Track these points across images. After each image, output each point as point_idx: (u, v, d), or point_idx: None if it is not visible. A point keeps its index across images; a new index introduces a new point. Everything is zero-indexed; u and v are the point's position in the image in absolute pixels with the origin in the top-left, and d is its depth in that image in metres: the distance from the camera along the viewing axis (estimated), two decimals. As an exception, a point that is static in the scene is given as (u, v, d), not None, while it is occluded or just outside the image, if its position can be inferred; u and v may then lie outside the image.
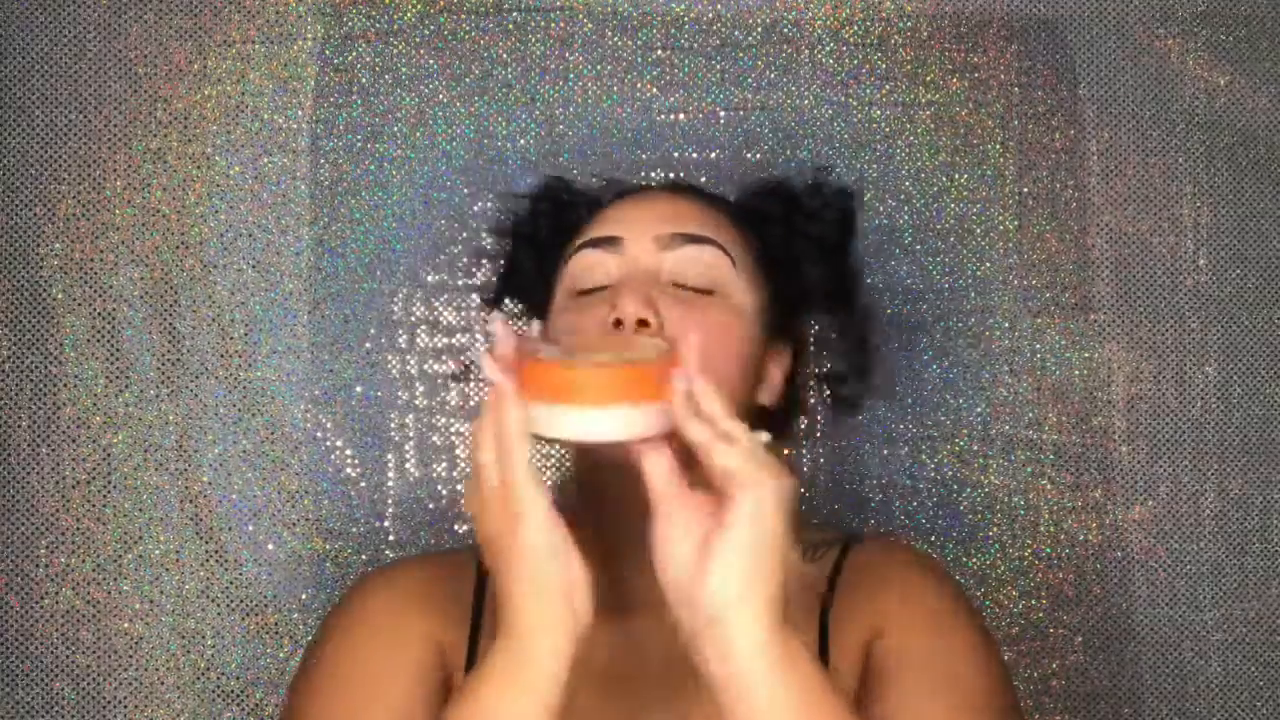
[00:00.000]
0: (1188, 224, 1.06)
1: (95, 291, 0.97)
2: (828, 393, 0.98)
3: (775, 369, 0.87)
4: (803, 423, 1.05)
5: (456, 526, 1.01)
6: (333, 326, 1.00)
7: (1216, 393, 1.05)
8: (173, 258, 0.98)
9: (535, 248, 0.95)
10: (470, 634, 0.80)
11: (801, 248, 0.92)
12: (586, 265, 0.84)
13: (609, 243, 0.83)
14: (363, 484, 0.99)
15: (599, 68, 1.04)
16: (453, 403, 1.01)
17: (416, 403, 1.00)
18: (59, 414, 0.95)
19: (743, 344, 0.82)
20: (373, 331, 1.00)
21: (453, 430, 1.01)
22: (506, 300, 0.99)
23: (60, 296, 0.96)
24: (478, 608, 0.81)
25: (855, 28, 1.05)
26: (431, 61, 1.02)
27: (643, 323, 0.77)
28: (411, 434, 1.00)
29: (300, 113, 1.00)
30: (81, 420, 0.96)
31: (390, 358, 1.00)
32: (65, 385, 0.96)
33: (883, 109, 1.05)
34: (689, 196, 0.88)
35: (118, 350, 0.96)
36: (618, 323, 0.77)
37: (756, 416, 0.83)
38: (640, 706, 0.78)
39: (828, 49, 1.05)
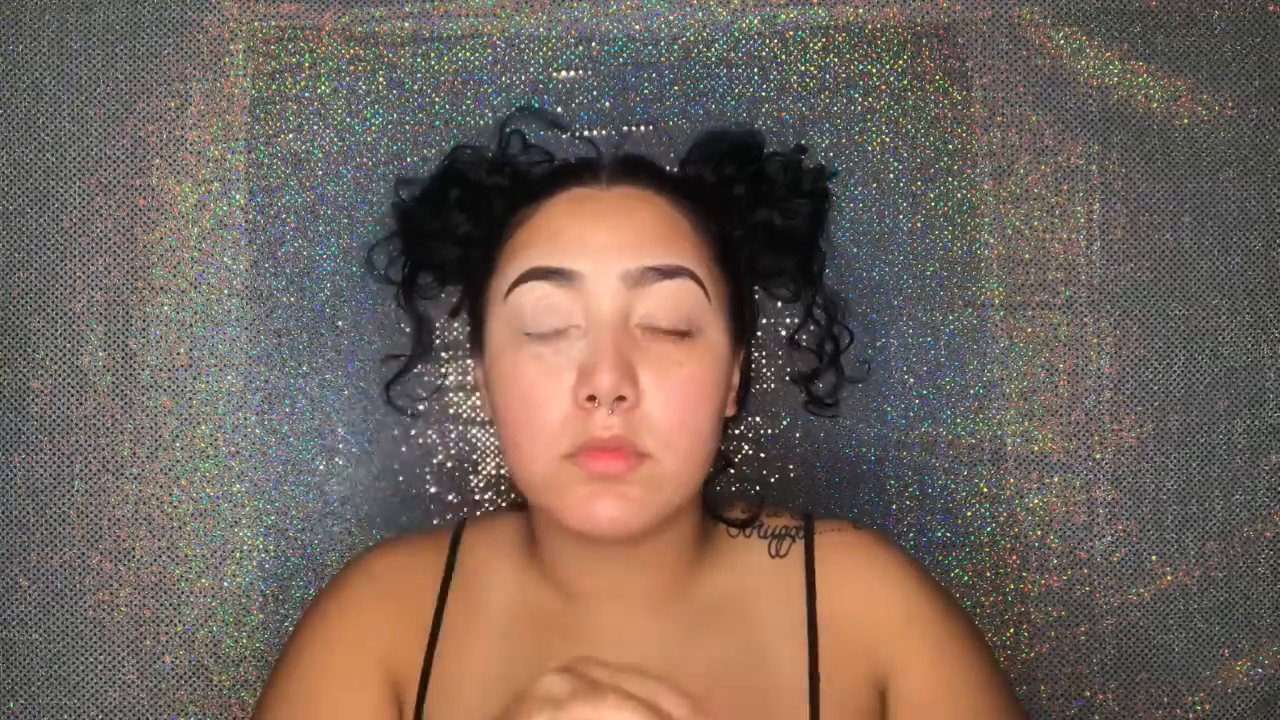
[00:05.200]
0: (1081, 220, 1.08)
1: (57, 314, 1.06)
2: (804, 398, 0.92)
3: (737, 372, 0.83)
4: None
5: (400, 523, 1.09)
6: (268, 341, 1.08)
7: (1110, 386, 1.08)
8: (124, 281, 1.07)
9: (462, 219, 0.86)
10: (432, 626, 0.83)
11: (772, 231, 0.86)
12: (538, 301, 0.75)
13: (566, 277, 0.74)
14: (300, 486, 1.08)
15: (515, 91, 1.09)
16: (381, 408, 1.08)
17: (347, 408, 1.08)
18: (28, 425, 1.06)
19: (719, 387, 0.77)
20: (304, 344, 1.08)
21: (383, 434, 1.09)
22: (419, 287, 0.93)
23: (27, 320, 1.06)
24: (441, 599, 0.84)
25: (753, 42, 1.09)
26: (355, 91, 1.08)
27: (620, 398, 0.72)
28: (344, 438, 1.08)
29: (235, 143, 1.08)
30: (48, 430, 1.06)
31: (322, 368, 1.08)
32: (34, 399, 1.06)
33: (780, 122, 1.08)
34: (649, 195, 0.79)
35: (78, 367, 1.06)
36: (590, 397, 0.72)
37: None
38: None
39: (725, 63, 1.09)
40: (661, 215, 0.78)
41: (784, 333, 1.06)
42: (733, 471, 1.06)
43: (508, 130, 0.91)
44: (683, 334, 0.75)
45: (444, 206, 0.86)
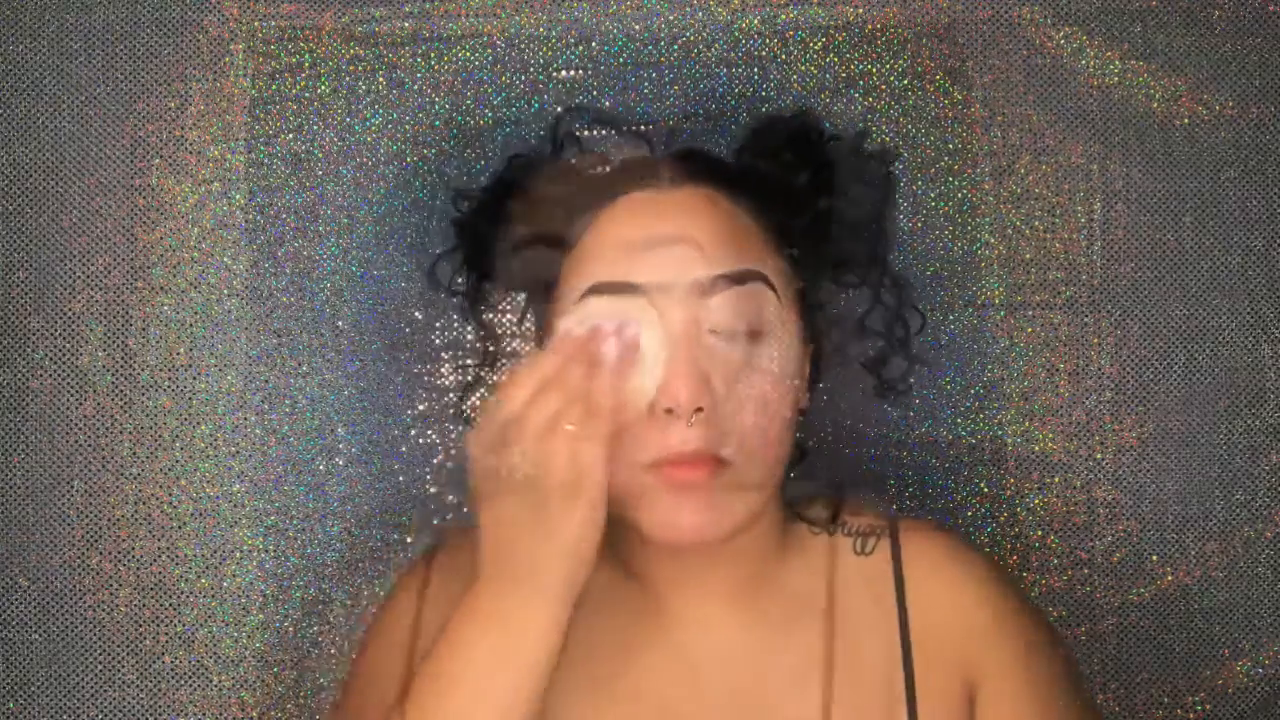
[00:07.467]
0: (1081, 220, 1.08)
1: (57, 314, 1.06)
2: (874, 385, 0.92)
3: (807, 364, 0.83)
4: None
5: (401, 523, 1.09)
6: (268, 341, 1.07)
7: (1111, 386, 1.07)
8: (123, 281, 1.07)
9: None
10: None
11: (838, 219, 0.85)
12: (608, 314, 0.74)
13: (635, 291, 0.73)
14: (301, 486, 1.07)
15: (514, 91, 1.09)
16: (381, 408, 1.08)
17: (347, 408, 1.08)
18: (27, 425, 1.05)
19: (792, 384, 0.77)
20: (304, 344, 1.07)
21: (383, 434, 1.08)
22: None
23: (27, 320, 1.06)
24: None
25: (753, 42, 1.09)
26: (355, 91, 1.08)
27: (697, 409, 0.72)
28: (344, 438, 1.08)
29: (235, 143, 1.08)
30: (48, 430, 1.05)
31: (322, 368, 1.08)
32: (33, 399, 1.06)
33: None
34: (713, 194, 0.78)
35: (77, 367, 1.06)
36: (669, 410, 0.72)
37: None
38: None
39: (725, 63, 1.09)
40: (727, 217, 0.77)
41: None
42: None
43: (561, 134, 0.91)
44: (755, 334, 0.75)
45: (502, 217, 0.85)
